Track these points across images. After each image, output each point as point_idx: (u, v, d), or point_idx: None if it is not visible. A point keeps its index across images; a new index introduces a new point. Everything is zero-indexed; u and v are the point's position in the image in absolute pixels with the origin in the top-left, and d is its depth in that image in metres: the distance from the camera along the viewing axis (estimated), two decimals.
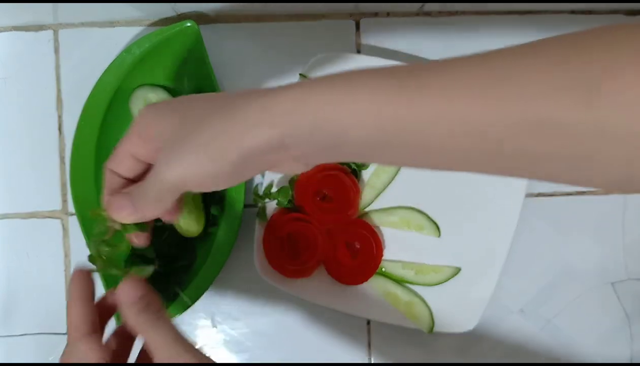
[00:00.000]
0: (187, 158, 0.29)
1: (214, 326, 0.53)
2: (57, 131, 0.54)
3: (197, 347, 0.33)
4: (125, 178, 0.34)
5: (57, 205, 0.53)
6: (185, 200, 0.49)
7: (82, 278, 0.34)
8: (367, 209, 0.52)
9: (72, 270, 0.53)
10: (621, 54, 0.23)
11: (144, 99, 0.49)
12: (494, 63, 0.27)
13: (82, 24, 0.54)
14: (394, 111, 0.26)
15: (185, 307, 0.49)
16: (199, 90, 0.51)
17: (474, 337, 0.53)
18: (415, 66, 0.27)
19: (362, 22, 0.54)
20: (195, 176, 0.30)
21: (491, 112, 0.25)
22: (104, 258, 0.36)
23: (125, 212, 0.33)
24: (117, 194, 0.33)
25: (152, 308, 0.33)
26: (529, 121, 0.24)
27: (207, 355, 0.33)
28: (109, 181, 0.34)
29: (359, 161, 0.29)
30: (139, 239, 0.36)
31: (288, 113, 0.27)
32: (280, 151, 0.29)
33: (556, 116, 0.24)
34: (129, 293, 0.33)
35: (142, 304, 0.33)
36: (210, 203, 0.51)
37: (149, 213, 0.33)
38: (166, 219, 0.36)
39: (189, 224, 0.49)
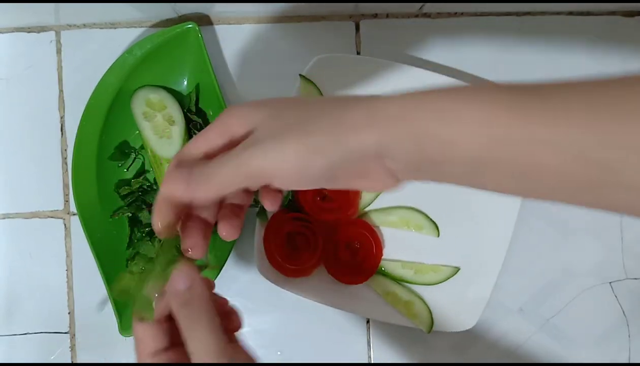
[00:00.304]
0: (284, 146, 0.28)
1: None
2: (59, 132, 0.54)
3: (239, 348, 0.30)
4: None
5: (59, 205, 0.54)
6: None
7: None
8: (367, 209, 0.52)
9: (72, 270, 0.53)
10: None
11: (145, 99, 0.49)
12: (621, 91, 0.25)
13: (84, 25, 0.54)
14: (507, 126, 0.24)
15: None
16: (199, 91, 0.51)
17: (473, 336, 0.53)
18: (527, 84, 0.26)
19: (362, 23, 0.54)
20: (285, 166, 0.28)
21: (614, 142, 0.23)
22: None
23: (174, 185, 0.30)
24: (178, 167, 0.30)
25: (195, 303, 0.30)
26: None
27: (248, 354, 0.30)
28: (178, 156, 0.31)
29: (458, 182, 0.28)
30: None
31: (394, 121, 0.26)
32: (378, 160, 0.28)
33: None
34: (176, 282, 0.30)
35: (185, 297, 0.30)
36: None
37: (201, 193, 0.29)
38: (194, 252, 0.32)
39: None
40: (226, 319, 0.32)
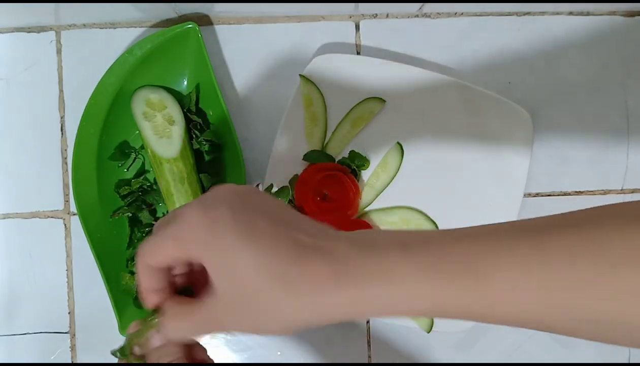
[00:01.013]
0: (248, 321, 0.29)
1: None
2: (59, 132, 0.54)
3: None
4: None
5: (59, 205, 0.54)
6: (187, 200, 0.49)
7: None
8: (367, 209, 0.52)
9: (72, 270, 0.53)
10: None
11: (145, 99, 0.49)
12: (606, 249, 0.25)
13: (84, 25, 0.54)
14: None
15: None
16: (199, 91, 0.51)
17: (473, 336, 0.54)
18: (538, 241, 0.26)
19: (362, 23, 0.54)
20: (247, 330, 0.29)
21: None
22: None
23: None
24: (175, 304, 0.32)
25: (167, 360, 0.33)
26: None
27: None
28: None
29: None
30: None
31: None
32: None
33: None
34: (153, 340, 0.33)
35: (159, 354, 0.33)
36: None
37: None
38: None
39: None
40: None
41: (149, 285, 0.32)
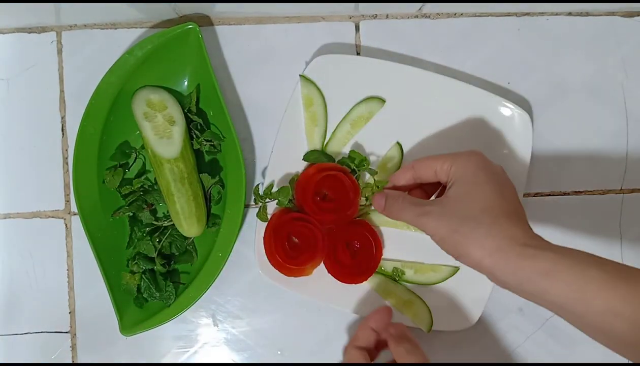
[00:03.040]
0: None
1: (215, 325, 0.54)
2: (60, 132, 0.54)
3: None
4: None
5: (60, 205, 0.54)
6: (187, 200, 0.49)
7: (386, 314, 0.47)
8: (367, 209, 0.53)
9: (73, 270, 0.53)
10: None
11: (146, 100, 0.50)
12: None
13: (85, 26, 0.54)
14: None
15: (187, 305, 0.50)
16: (200, 91, 0.52)
17: (472, 336, 0.54)
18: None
19: (362, 24, 0.54)
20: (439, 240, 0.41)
21: None
22: None
23: (379, 200, 0.46)
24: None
25: (408, 342, 0.43)
26: None
27: None
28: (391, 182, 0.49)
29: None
30: None
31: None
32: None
33: None
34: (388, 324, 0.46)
35: (397, 337, 0.44)
36: (212, 203, 0.52)
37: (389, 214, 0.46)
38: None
39: (190, 224, 0.49)
40: None
41: (398, 181, 0.47)
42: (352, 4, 0.52)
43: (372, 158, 0.52)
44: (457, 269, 0.52)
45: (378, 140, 0.52)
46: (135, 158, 0.53)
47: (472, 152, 0.44)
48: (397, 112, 0.52)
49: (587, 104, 0.55)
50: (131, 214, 0.51)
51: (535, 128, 0.54)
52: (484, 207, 0.39)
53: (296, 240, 0.51)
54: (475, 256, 0.38)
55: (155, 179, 0.52)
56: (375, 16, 0.54)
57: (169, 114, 0.50)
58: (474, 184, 0.41)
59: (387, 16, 0.54)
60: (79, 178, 0.50)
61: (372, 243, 0.51)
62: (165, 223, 0.51)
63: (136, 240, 0.51)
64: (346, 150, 0.52)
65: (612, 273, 0.35)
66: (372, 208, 0.51)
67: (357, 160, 0.51)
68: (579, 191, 0.54)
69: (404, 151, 0.52)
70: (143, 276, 0.50)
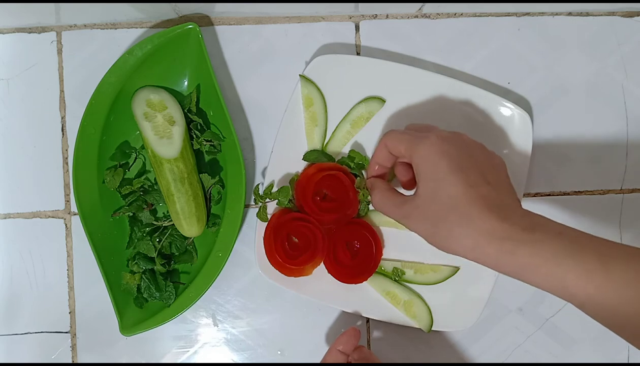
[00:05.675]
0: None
1: (215, 325, 0.54)
2: (60, 132, 0.54)
3: None
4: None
5: (60, 205, 0.54)
6: (187, 200, 0.49)
7: (353, 336, 0.48)
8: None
9: (73, 270, 0.53)
10: None
11: (146, 100, 0.50)
12: None
13: (85, 26, 0.54)
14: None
15: (187, 305, 0.50)
16: (200, 91, 0.52)
17: (472, 336, 0.54)
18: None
19: (362, 24, 0.54)
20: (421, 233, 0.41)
21: None
22: None
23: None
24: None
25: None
26: None
27: None
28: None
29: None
30: None
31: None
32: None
33: None
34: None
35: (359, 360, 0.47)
36: (212, 203, 0.52)
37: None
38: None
39: (190, 224, 0.49)
40: None
41: (379, 159, 0.46)
42: (352, 4, 0.52)
43: None
44: (457, 269, 0.52)
45: (378, 140, 0.52)
46: (135, 158, 0.53)
47: (428, 137, 0.41)
48: (397, 112, 0.52)
49: (587, 104, 0.55)
50: (131, 214, 0.52)
51: (535, 128, 0.54)
52: (451, 205, 0.38)
53: (296, 240, 0.51)
54: (459, 252, 0.39)
55: (155, 179, 0.52)
56: (375, 16, 0.54)
57: (169, 114, 0.50)
58: (437, 180, 0.39)
59: (387, 16, 0.54)
60: (79, 178, 0.50)
61: (372, 243, 0.51)
62: (165, 223, 0.51)
63: (136, 240, 0.51)
64: (346, 150, 0.52)
65: (589, 263, 0.34)
66: (372, 207, 0.52)
67: (357, 160, 0.51)
68: (579, 191, 0.54)
69: None
70: (143, 276, 0.50)
